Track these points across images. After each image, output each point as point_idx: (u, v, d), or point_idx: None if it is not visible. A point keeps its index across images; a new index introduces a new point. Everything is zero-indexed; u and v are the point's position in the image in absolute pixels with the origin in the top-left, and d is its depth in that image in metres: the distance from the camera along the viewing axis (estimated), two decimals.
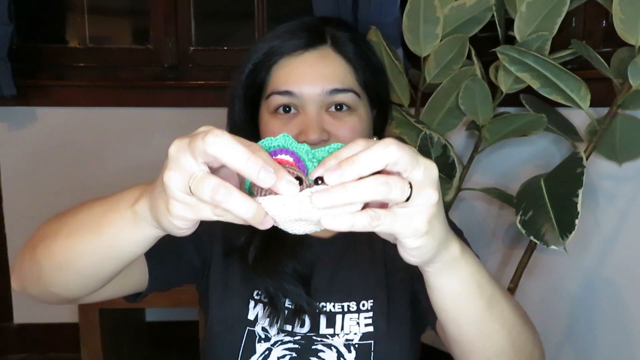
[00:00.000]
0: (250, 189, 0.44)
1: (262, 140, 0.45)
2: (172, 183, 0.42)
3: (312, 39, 0.77)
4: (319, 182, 0.42)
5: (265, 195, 0.42)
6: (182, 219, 0.45)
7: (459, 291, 0.53)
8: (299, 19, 0.80)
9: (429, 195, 0.44)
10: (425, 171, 0.44)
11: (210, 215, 0.43)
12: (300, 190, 0.42)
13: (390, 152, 0.42)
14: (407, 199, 0.43)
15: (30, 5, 2.05)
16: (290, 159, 0.44)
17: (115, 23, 2.21)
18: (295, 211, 0.42)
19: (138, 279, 0.73)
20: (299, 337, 0.78)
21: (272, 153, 0.44)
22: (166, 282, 0.77)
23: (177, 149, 0.42)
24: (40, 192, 1.98)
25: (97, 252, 0.55)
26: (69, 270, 0.57)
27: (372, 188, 0.41)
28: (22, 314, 2.05)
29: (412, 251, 0.46)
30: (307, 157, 0.45)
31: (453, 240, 0.50)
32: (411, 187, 0.43)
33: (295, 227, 0.44)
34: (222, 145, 0.40)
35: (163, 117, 1.95)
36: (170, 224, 0.46)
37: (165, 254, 0.75)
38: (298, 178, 0.42)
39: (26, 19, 2.02)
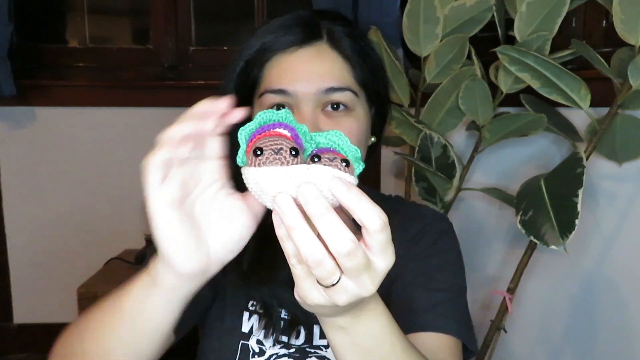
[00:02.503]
0: (243, 160, 0.44)
1: (265, 111, 0.45)
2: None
3: (307, 34, 0.73)
4: (315, 159, 0.42)
5: (259, 166, 0.42)
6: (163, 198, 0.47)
7: (340, 351, 0.52)
8: (294, 13, 0.76)
9: (338, 298, 0.44)
10: (359, 286, 0.43)
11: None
12: (295, 163, 0.42)
13: (371, 226, 0.41)
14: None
15: (30, 5, 2.05)
16: (288, 134, 0.44)
17: (115, 23, 2.21)
18: (288, 184, 0.41)
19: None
20: (294, 350, 0.76)
21: (272, 126, 0.44)
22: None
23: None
24: (40, 192, 1.98)
25: (130, 336, 0.54)
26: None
27: (336, 246, 0.41)
28: (22, 314, 2.05)
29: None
30: (305, 139, 0.45)
31: (344, 315, 0.49)
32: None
33: None
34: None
35: (163, 117, 1.94)
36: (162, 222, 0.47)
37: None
38: (294, 149, 0.42)
39: (26, 19, 2.02)
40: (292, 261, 0.43)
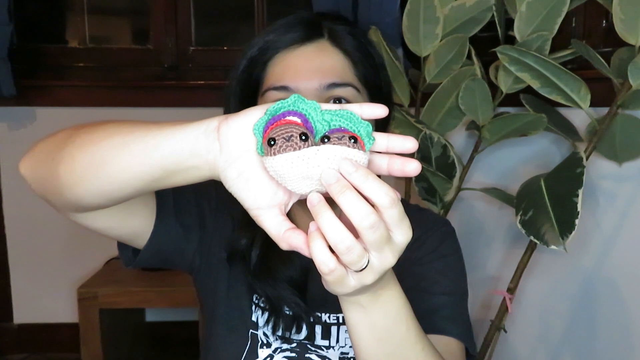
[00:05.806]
0: (262, 150, 0.46)
1: (275, 104, 0.48)
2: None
3: (308, 32, 0.74)
4: (325, 140, 0.45)
5: (274, 155, 0.45)
6: None
7: (357, 333, 0.54)
8: (295, 14, 0.77)
9: (366, 278, 0.46)
10: (381, 260, 0.45)
11: None
12: (306, 146, 0.45)
13: (381, 203, 0.43)
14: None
15: (30, 5, 2.05)
16: (298, 120, 0.47)
17: (115, 23, 2.21)
18: (303, 167, 0.44)
19: (141, 227, 0.73)
20: (295, 345, 0.77)
21: (282, 115, 0.47)
22: (162, 250, 0.76)
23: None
24: None
25: (143, 158, 0.51)
26: (100, 176, 0.53)
27: (359, 220, 0.43)
28: (22, 314, 2.05)
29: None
30: (316, 118, 0.47)
31: (366, 292, 0.50)
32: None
33: (301, 185, 0.46)
34: None
35: (163, 117, 1.95)
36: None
37: (173, 228, 0.75)
38: (304, 134, 0.45)
39: (26, 19, 2.02)
40: (322, 269, 0.45)
